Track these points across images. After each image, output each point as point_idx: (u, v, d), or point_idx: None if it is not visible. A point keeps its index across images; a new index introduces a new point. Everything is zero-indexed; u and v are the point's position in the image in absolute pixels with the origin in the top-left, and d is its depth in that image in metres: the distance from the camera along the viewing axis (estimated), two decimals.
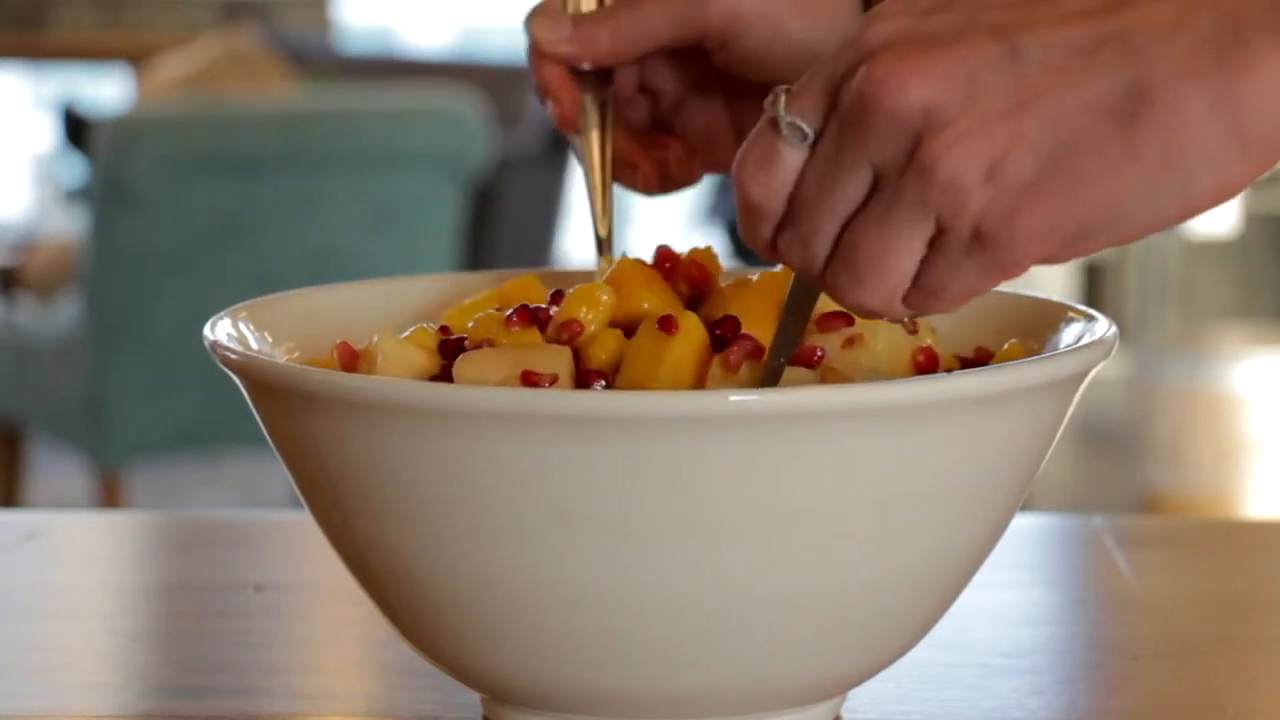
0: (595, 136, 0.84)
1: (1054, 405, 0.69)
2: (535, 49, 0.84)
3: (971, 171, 0.60)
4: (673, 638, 0.66)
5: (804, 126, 0.63)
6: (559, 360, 0.69)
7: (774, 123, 0.63)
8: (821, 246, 0.63)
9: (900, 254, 0.62)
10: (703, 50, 0.84)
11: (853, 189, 0.62)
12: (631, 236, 5.91)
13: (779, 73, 0.82)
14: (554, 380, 0.68)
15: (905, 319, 0.69)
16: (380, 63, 4.72)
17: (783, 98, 0.63)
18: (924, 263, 0.62)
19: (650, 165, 0.86)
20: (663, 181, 0.87)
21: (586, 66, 0.83)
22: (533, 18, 0.84)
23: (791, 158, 0.63)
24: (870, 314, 0.64)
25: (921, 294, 0.63)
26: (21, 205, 6.00)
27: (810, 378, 0.69)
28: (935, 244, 0.62)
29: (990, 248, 0.61)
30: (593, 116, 0.84)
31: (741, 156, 0.64)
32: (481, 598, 0.67)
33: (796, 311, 0.68)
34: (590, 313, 0.72)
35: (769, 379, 0.69)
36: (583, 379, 0.70)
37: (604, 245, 0.83)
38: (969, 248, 0.61)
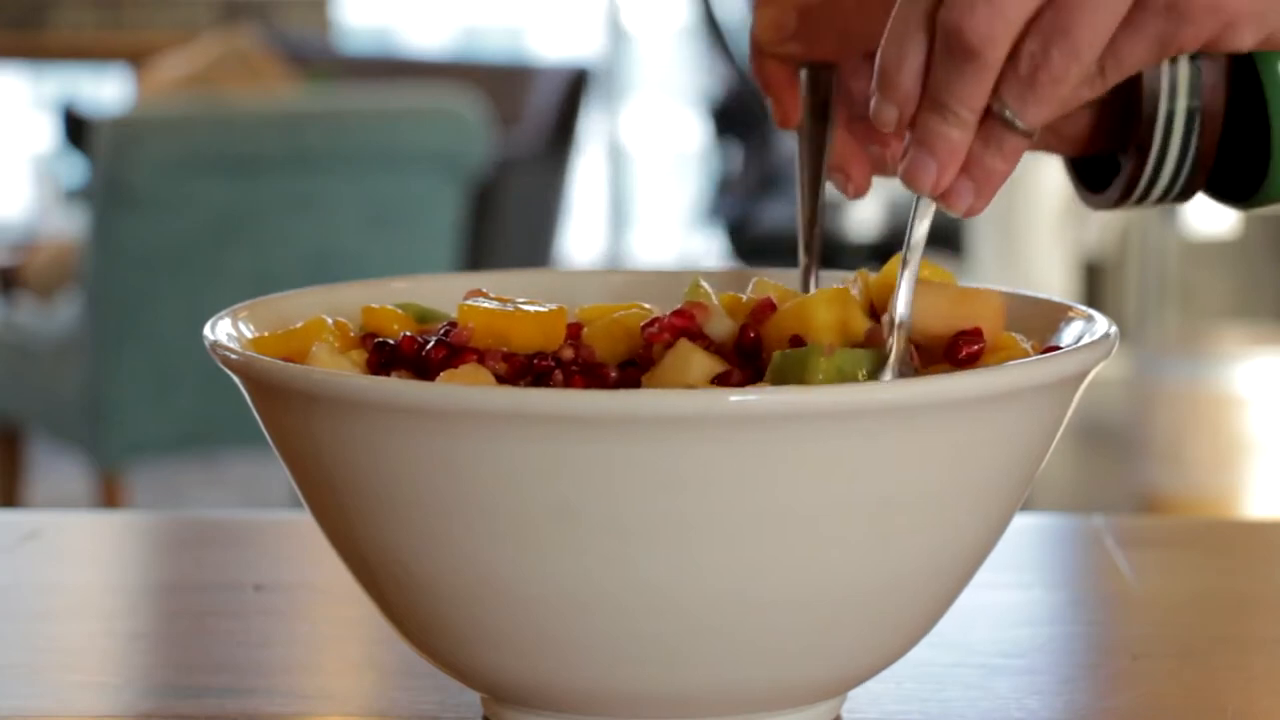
0: (813, 136, 0.81)
1: (1054, 405, 0.69)
2: (756, 45, 0.81)
3: None
4: (673, 638, 0.66)
5: None
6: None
7: None
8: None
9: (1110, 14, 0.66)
10: None
11: None
12: (632, 238, 5.91)
13: None
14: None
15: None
16: (380, 63, 4.72)
17: None
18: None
19: (862, 169, 0.83)
20: (868, 181, 0.84)
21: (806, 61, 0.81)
22: (759, 10, 0.81)
23: None
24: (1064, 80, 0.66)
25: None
26: (21, 205, 5.99)
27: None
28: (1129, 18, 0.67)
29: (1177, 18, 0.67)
30: (813, 115, 0.81)
31: None
32: (481, 598, 0.67)
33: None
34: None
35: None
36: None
37: (808, 248, 0.80)
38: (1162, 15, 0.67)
